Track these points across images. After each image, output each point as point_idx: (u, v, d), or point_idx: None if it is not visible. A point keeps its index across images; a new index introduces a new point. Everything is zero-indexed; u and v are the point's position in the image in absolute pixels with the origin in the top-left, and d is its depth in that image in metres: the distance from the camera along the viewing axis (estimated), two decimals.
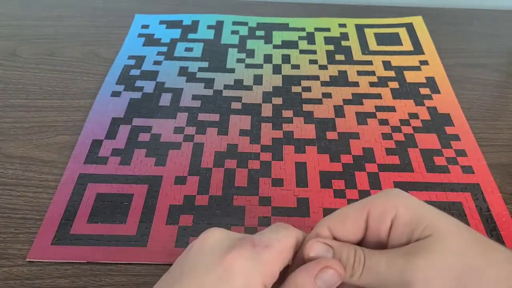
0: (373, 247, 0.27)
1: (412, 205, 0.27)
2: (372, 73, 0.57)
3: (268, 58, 0.60)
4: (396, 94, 0.54)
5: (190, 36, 0.63)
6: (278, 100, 0.53)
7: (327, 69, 0.58)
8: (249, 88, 0.55)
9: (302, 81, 0.56)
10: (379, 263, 0.25)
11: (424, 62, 0.59)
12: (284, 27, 0.66)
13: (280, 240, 0.27)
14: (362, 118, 0.50)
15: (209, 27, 0.65)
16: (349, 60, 0.59)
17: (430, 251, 0.25)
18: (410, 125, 0.49)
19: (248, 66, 0.58)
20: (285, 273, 0.27)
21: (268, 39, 0.63)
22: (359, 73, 0.57)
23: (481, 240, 0.26)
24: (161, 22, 0.66)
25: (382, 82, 0.56)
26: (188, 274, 0.25)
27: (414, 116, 0.51)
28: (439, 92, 0.54)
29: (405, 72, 0.57)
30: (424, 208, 0.27)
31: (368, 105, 0.52)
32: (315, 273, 0.25)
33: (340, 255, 0.26)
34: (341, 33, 0.65)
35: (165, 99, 0.53)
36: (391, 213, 0.27)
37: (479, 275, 0.24)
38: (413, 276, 0.24)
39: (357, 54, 0.61)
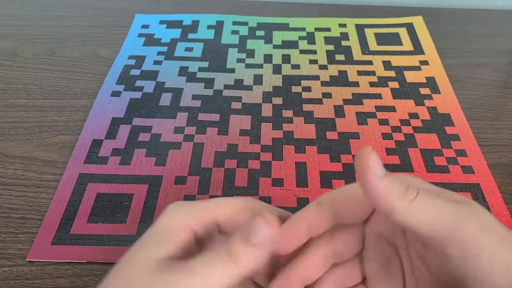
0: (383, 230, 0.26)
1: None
2: (372, 73, 0.57)
3: (268, 58, 0.60)
4: (396, 94, 0.54)
5: (190, 36, 0.63)
6: (278, 100, 0.53)
7: (327, 69, 0.58)
8: (249, 88, 0.55)
9: (302, 81, 0.56)
10: (433, 196, 0.23)
11: (424, 62, 0.59)
12: (284, 27, 0.66)
13: (220, 200, 0.27)
14: (362, 118, 0.50)
15: (209, 27, 0.65)
16: (349, 60, 0.59)
17: (478, 212, 0.23)
18: (410, 125, 0.50)
19: (248, 66, 0.58)
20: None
21: (268, 39, 0.63)
22: (359, 73, 0.57)
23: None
24: (161, 22, 0.66)
25: (382, 82, 0.56)
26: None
27: (414, 116, 0.51)
28: (439, 92, 0.54)
29: (405, 72, 0.57)
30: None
31: (368, 105, 0.52)
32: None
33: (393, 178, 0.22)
34: (341, 33, 0.65)
35: (165, 99, 0.53)
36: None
37: None
38: (468, 222, 0.22)
39: (357, 54, 0.61)
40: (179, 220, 0.25)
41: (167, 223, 0.25)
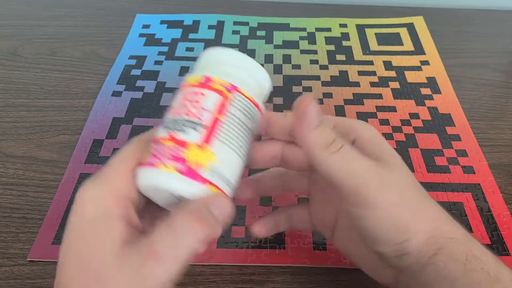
0: None
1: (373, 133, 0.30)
2: (373, 73, 0.57)
3: (269, 58, 0.60)
4: (397, 94, 0.54)
5: (191, 36, 0.63)
6: (279, 100, 0.53)
7: (328, 69, 0.58)
8: None
9: (303, 81, 0.56)
10: (354, 154, 0.27)
11: (425, 62, 0.59)
12: (285, 27, 0.66)
13: (122, 155, 0.27)
14: (363, 118, 0.50)
15: (210, 27, 0.65)
16: (350, 60, 0.59)
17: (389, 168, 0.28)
18: (411, 125, 0.49)
19: None
20: None
21: (269, 39, 0.63)
22: (360, 73, 0.57)
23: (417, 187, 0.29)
24: (162, 22, 0.66)
25: (383, 82, 0.56)
26: None
27: (415, 116, 0.51)
28: (440, 92, 0.54)
29: (406, 72, 0.57)
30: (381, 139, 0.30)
31: (369, 105, 0.52)
32: (209, 200, 0.25)
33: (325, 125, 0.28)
34: (342, 33, 0.65)
35: (166, 99, 0.53)
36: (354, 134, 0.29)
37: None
38: (372, 181, 0.26)
39: (358, 54, 0.61)
40: (109, 202, 0.25)
41: (101, 208, 0.25)
